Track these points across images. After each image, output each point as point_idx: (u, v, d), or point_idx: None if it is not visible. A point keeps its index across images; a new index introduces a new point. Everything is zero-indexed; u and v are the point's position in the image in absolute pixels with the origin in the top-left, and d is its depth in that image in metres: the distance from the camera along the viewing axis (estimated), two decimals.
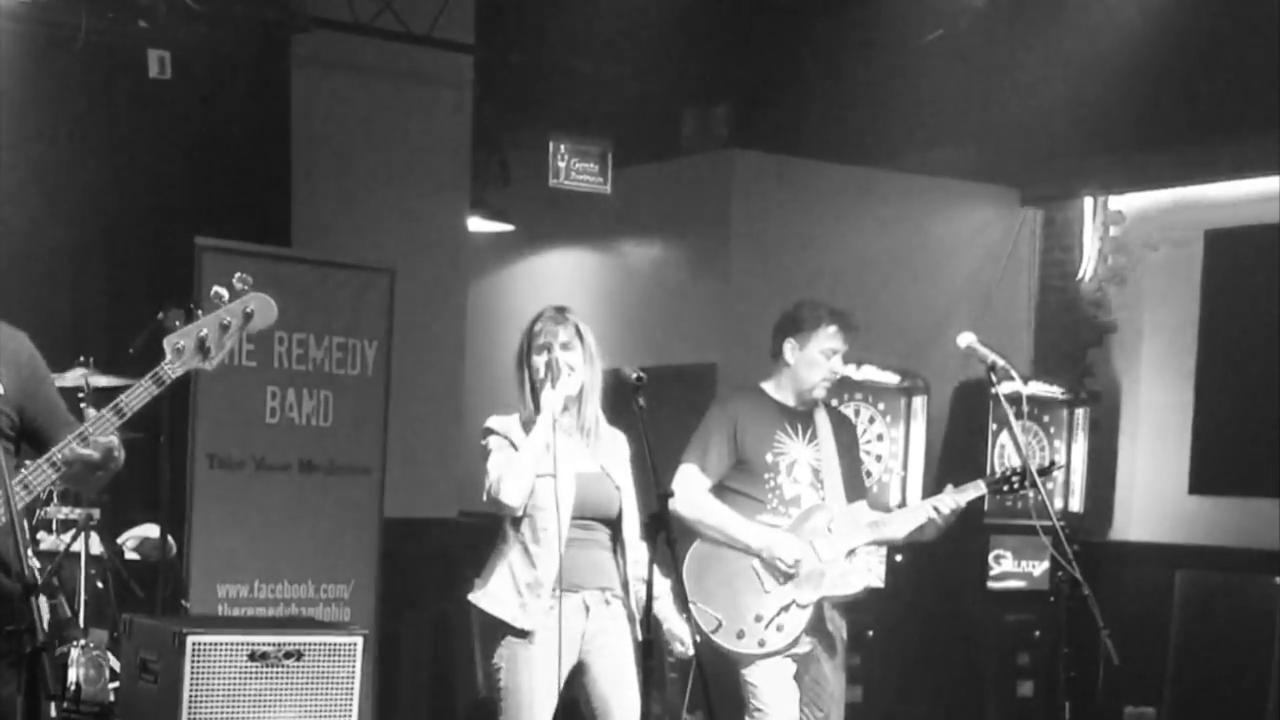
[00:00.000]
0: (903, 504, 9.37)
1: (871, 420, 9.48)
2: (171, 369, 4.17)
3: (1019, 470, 6.44)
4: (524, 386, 5.70)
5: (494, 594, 5.68)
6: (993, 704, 9.36)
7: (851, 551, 6.38)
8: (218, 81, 9.14)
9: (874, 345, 9.24)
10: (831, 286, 10.01)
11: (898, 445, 9.58)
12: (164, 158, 9.06)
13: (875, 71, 9.82)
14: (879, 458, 9.45)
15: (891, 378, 9.55)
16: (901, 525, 6.45)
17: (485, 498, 5.67)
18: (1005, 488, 6.49)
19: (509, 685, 5.62)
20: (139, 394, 4.16)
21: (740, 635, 6.22)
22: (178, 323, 4.19)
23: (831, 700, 6.46)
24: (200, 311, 4.29)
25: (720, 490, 6.35)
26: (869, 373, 9.37)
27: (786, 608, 6.23)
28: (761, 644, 6.23)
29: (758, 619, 6.21)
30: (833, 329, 6.35)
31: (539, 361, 5.61)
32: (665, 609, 5.59)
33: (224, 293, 4.24)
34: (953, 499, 6.35)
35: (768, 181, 10.57)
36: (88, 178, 8.85)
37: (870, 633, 8.74)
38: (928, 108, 10.09)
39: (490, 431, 5.74)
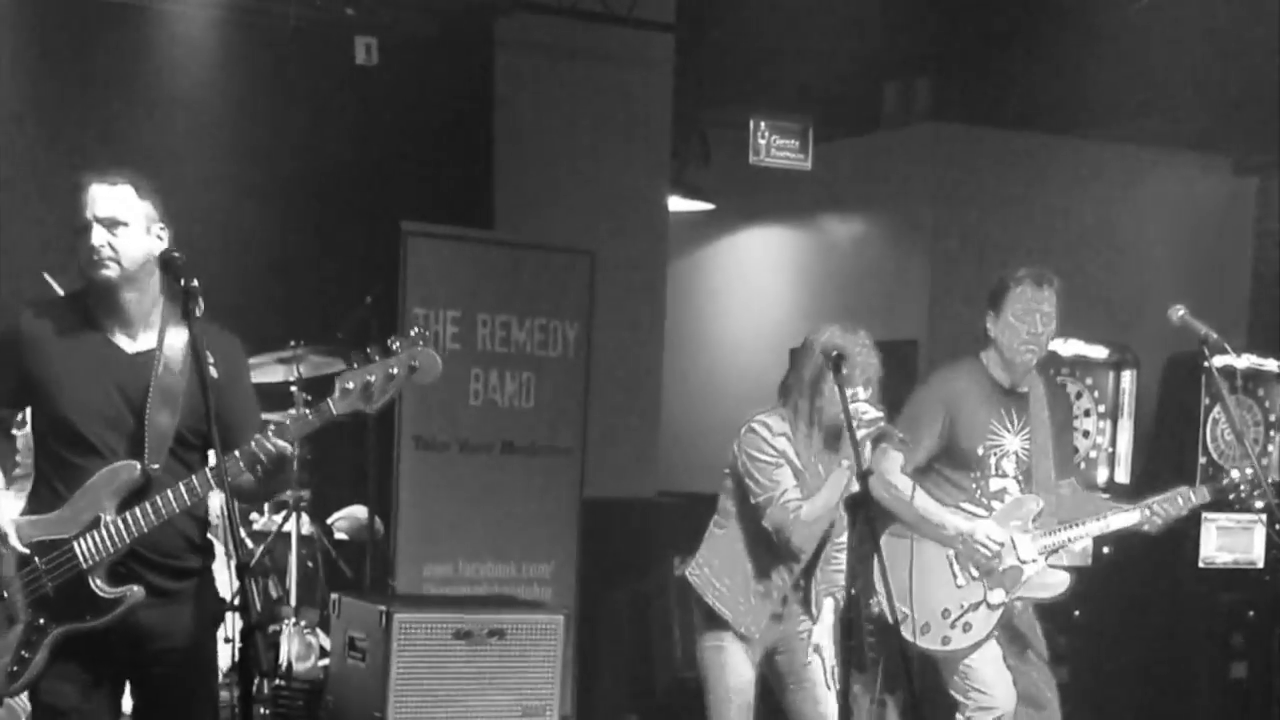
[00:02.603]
0: (1110, 481, 9.20)
1: (1079, 395, 9.31)
2: (336, 406, 4.47)
3: (1250, 480, 6.25)
4: (809, 401, 5.57)
5: (720, 590, 5.72)
6: (1204, 686, 9.15)
7: (1054, 551, 6.23)
8: (422, 66, 9.27)
9: (1081, 319, 9.05)
10: (1036, 260, 9.84)
11: (1106, 421, 9.39)
12: (370, 143, 9.22)
13: (1082, 39, 9.62)
14: (1086, 434, 9.28)
15: (1100, 351, 9.36)
16: (1113, 525, 6.29)
17: (768, 519, 5.57)
18: (1230, 496, 6.32)
19: (715, 673, 5.72)
20: (301, 424, 4.48)
21: (925, 630, 6.08)
22: (355, 364, 4.49)
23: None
24: (405, 338, 4.54)
25: (925, 471, 6.19)
26: (1076, 347, 9.19)
27: (976, 606, 6.07)
28: (945, 641, 6.07)
29: (945, 614, 6.08)
30: (1020, 288, 6.15)
31: (851, 405, 5.39)
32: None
33: (397, 341, 4.52)
34: (1170, 507, 6.18)
35: (970, 154, 10.44)
36: (296, 164, 9.03)
37: (1077, 613, 8.58)
38: (1136, 75, 9.86)
39: (766, 441, 5.62)
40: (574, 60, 9.83)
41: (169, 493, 4.40)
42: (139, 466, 4.44)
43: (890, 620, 5.45)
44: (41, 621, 4.40)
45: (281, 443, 4.41)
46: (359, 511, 8.37)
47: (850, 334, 5.55)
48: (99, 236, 4.43)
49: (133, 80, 8.67)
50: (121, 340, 4.53)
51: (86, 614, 4.40)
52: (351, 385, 4.45)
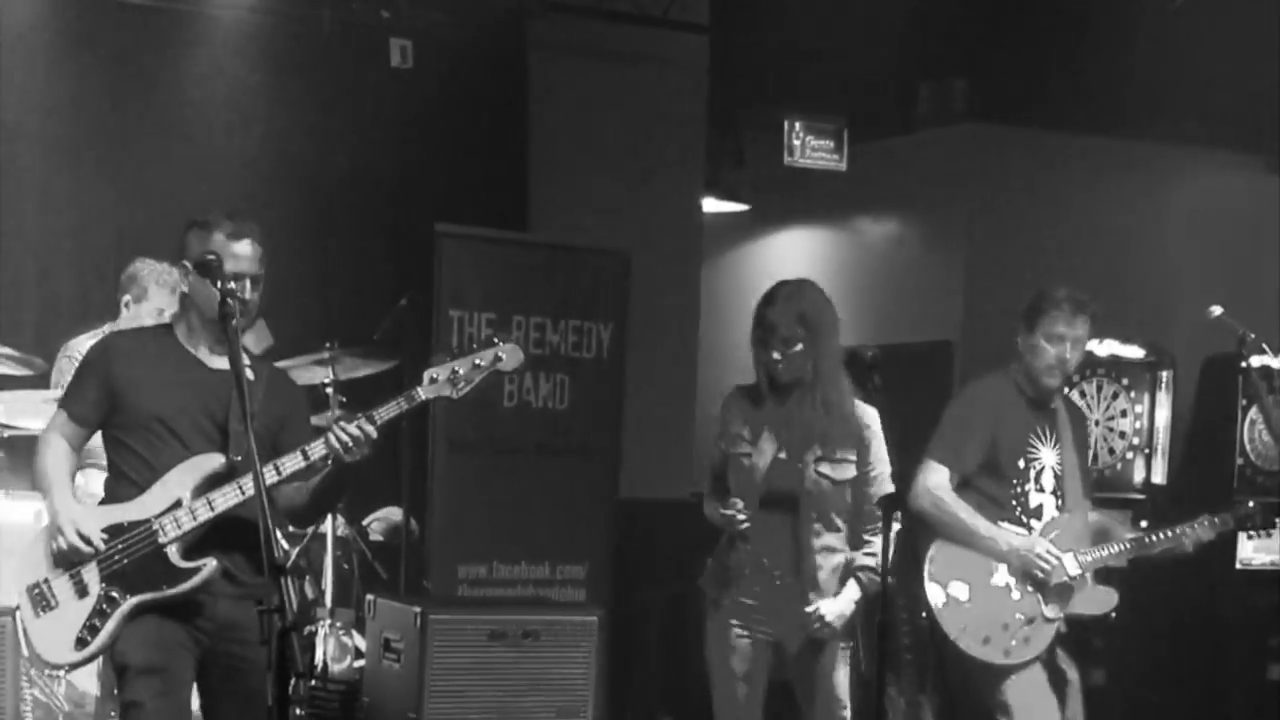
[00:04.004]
0: (1146, 482, 9.15)
1: (1115, 396, 9.27)
2: (424, 391, 4.74)
3: (1263, 511, 6.26)
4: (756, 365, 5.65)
5: (709, 571, 5.78)
6: (1241, 687, 9.09)
7: (1099, 569, 6.19)
8: (456, 69, 9.30)
9: (1117, 319, 9.01)
10: (1073, 260, 9.86)
11: (1142, 422, 9.34)
12: (405, 145, 9.26)
13: (1118, 39, 9.61)
14: (1122, 434, 9.24)
15: (1136, 352, 9.32)
16: (1155, 548, 6.27)
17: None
18: (1248, 524, 6.33)
19: (709, 660, 5.74)
20: (391, 409, 4.69)
21: (986, 641, 5.96)
22: (448, 358, 4.76)
23: None
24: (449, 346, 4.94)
25: (964, 488, 6.09)
26: (1112, 347, 9.15)
27: (1033, 619, 6.00)
28: (1007, 654, 5.97)
29: (1005, 627, 5.97)
30: (1054, 312, 6.08)
31: (758, 358, 5.60)
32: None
33: (487, 338, 4.95)
34: (1201, 532, 6.18)
35: (1007, 154, 10.42)
36: (331, 166, 9.07)
37: (1113, 615, 8.56)
38: (1172, 75, 9.84)
39: (724, 410, 5.72)
40: (608, 62, 9.85)
41: (251, 474, 4.58)
42: (222, 457, 4.68)
43: (928, 624, 5.43)
44: (115, 594, 4.60)
45: (369, 427, 4.61)
46: (394, 513, 8.39)
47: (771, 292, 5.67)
48: (245, 291, 4.69)
49: (168, 82, 8.71)
50: (204, 357, 4.80)
51: (163, 584, 4.60)
52: (438, 375, 4.72)
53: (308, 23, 8.88)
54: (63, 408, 4.84)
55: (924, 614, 5.94)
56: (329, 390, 7.72)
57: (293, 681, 3.95)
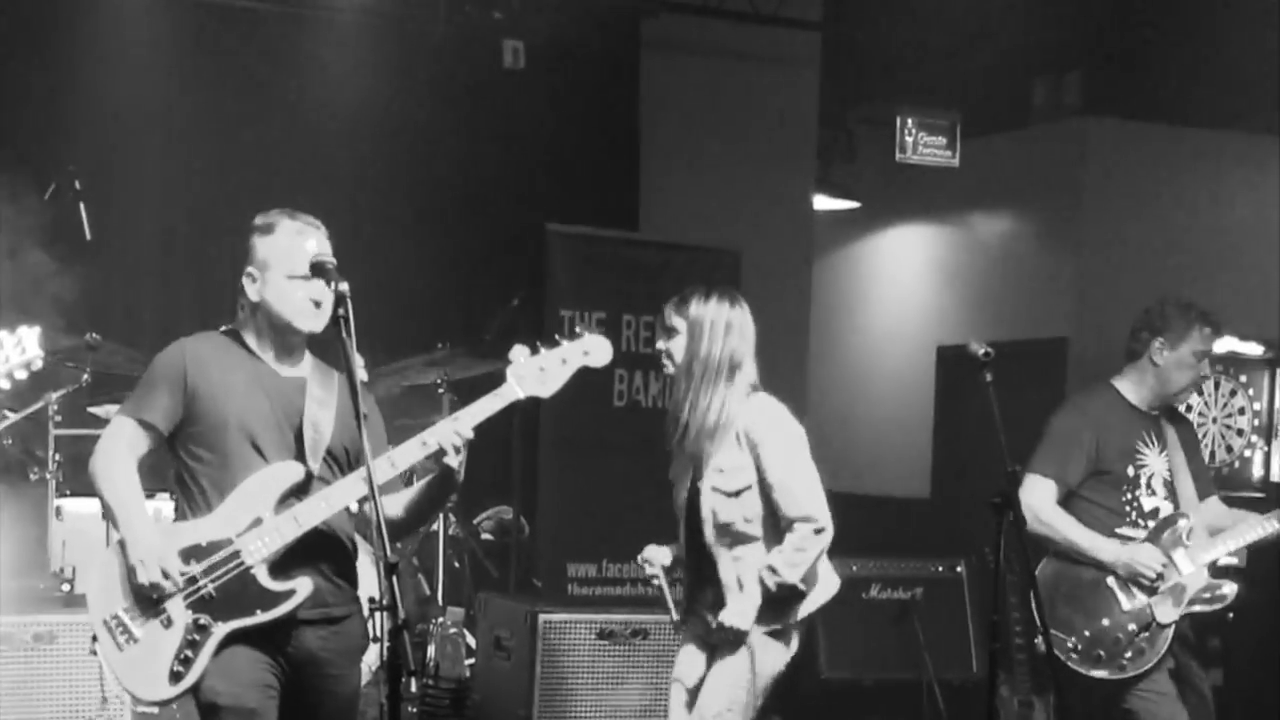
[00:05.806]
0: (1265, 480, 9.02)
1: (1233, 393, 9.16)
2: (512, 391, 4.56)
3: None
4: None
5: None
6: None
7: (1214, 563, 6.11)
8: (569, 69, 9.35)
9: (1234, 315, 8.88)
10: (1188, 256, 9.75)
11: (1261, 419, 9.23)
12: (517, 145, 9.32)
13: (1234, 30, 9.47)
14: (1240, 432, 9.13)
15: (1254, 348, 9.21)
16: (1267, 533, 6.16)
17: None
18: None
19: None
20: (481, 408, 4.53)
21: (1098, 660, 5.91)
22: (530, 353, 4.58)
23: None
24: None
25: (1074, 500, 6.05)
26: (1229, 343, 9.04)
27: (1146, 627, 5.92)
28: (1122, 668, 5.92)
29: (1116, 641, 5.92)
30: (1207, 331, 6.03)
31: None
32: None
33: (578, 330, 4.73)
34: None
35: (1122, 149, 10.32)
36: (444, 166, 9.15)
37: (1230, 615, 8.45)
38: None
39: None
40: (720, 60, 9.86)
41: (343, 481, 4.41)
42: (302, 467, 4.44)
43: (1048, 651, 5.37)
44: (204, 622, 4.35)
45: (465, 432, 4.44)
46: (505, 512, 8.45)
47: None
48: (321, 291, 4.44)
49: (283, 84, 8.83)
50: (275, 366, 4.56)
51: (256, 609, 4.36)
52: (526, 373, 4.55)
53: (421, 25, 8.96)
54: (128, 415, 4.51)
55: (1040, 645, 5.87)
56: (441, 390, 7.78)
57: (404, 679, 3.94)
